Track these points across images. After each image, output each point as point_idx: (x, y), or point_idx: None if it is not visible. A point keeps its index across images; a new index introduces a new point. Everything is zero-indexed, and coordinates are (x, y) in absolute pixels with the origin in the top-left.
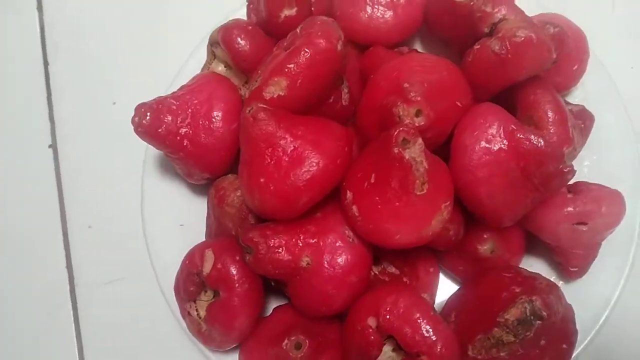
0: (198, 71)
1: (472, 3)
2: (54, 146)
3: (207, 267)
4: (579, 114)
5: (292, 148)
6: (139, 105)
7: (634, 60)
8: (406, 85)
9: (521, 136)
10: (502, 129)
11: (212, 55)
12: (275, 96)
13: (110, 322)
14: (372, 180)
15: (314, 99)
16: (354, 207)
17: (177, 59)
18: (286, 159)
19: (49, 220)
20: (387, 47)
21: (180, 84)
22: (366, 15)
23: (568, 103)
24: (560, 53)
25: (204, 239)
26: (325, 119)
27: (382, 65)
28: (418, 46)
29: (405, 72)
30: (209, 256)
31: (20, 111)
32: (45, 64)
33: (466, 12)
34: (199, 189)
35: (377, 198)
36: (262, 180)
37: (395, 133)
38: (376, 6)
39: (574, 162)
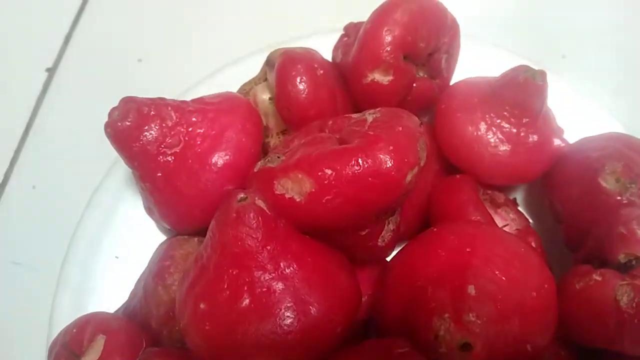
0: (242, 81)
1: (624, 201)
2: (51, 71)
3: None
4: None
5: (263, 290)
6: (127, 98)
7: None
8: (471, 291)
9: None
10: None
11: (263, 75)
12: (287, 197)
13: None
14: None
15: (337, 226)
16: None
17: (232, 48)
18: (247, 301)
19: None
20: (479, 183)
21: (216, 83)
22: (474, 133)
23: None
24: None
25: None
26: (339, 258)
27: (454, 218)
28: (518, 195)
29: (478, 261)
30: (98, 345)
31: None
32: None
33: (607, 207)
34: None
35: None
36: (201, 305)
37: None
38: (494, 129)
39: None
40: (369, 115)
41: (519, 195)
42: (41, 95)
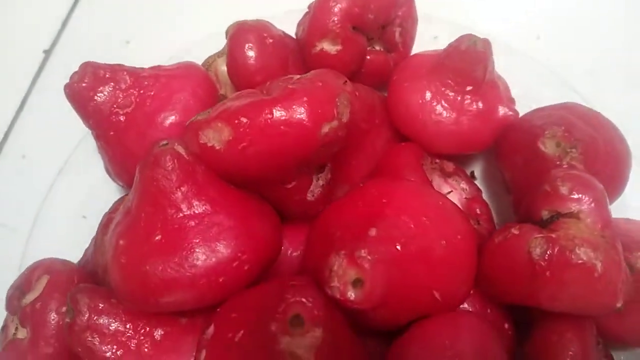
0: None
1: (564, 165)
2: (48, 52)
3: (30, 296)
4: None
5: (175, 227)
6: (86, 63)
7: None
8: (372, 232)
9: None
10: None
11: (225, 49)
12: (209, 145)
13: None
14: (237, 339)
15: (258, 175)
16: (203, 353)
17: (213, 27)
18: (159, 237)
19: None
20: (426, 151)
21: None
22: (419, 101)
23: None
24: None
25: None
26: (261, 207)
27: (386, 177)
28: (477, 168)
29: (390, 210)
30: (41, 284)
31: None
32: None
33: (544, 169)
34: None
35: None
36: (121, 242)
37: (288, 301)
38: (439, 97)
39: None
40: (300, 76)
41: (477, 169)
42: (37, 74)
